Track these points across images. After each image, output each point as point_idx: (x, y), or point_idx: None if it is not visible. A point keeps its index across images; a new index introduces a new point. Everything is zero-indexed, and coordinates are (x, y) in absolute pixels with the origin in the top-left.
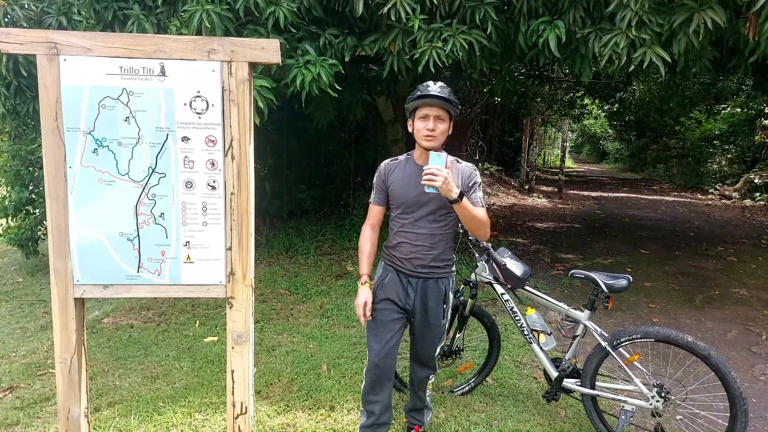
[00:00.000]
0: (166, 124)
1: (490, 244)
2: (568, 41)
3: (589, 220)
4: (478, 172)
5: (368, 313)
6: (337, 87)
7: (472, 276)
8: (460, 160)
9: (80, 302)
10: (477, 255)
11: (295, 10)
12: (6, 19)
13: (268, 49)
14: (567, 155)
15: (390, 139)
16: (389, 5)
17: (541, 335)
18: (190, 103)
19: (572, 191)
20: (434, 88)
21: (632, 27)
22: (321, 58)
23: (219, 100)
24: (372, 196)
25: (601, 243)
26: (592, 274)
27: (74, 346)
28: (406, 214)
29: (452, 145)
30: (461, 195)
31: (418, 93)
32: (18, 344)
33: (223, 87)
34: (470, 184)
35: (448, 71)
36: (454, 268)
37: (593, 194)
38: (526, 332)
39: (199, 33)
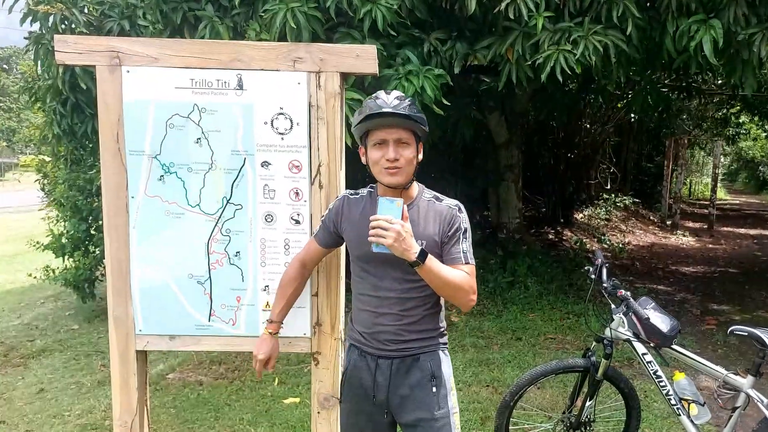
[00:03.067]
0: (243, 146)
1: (629, 293)
2: (727, 44)
3: (747, 263)
4: (464, 215)
5: (268, 368)
6: (445, 102)
7: (607, 332)
8: (441, 197)
9: (143, 355)
10: (613, 306)
11: (396, 9)
12: (63, 25)
13: (364, 57)
14: (719, 184)
15: (504, 165)
16: (507, 1)
17: (692, 405)
18: (272, 121)
19: (726, 228)
20: (388, 100)
21: None
22: (425, 68)
23: (305, 117)
24: (315, 231)
25: (763, 292)
26: (758, 332)
27: (135, 407)
28: (366, 272)
29: (579, 173)
30: (423, 255)
31: (367, 111)
32: (72, 402)
33: (310, 102)
34: (451, 232)
35: (575, 82)
36: (446, 338)
37: (752, 232)
38: (673, 401)
39: (282, 37)
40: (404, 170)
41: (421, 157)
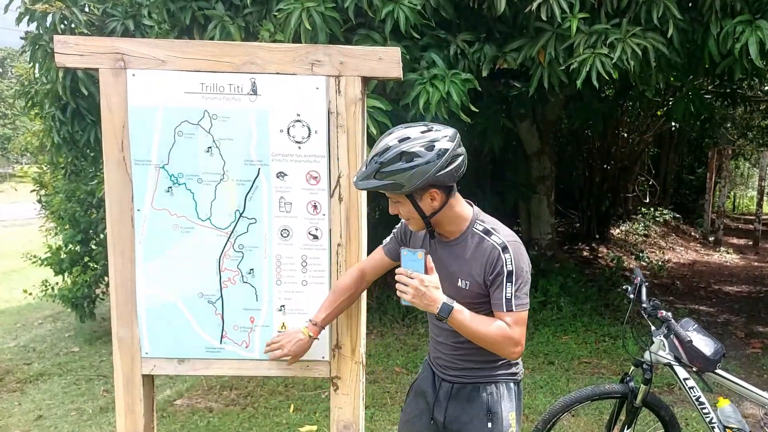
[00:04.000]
0: (257, 156)
1: (670, 314)
2: None
3: None
4: (510, 254)
5: (285, 351)
6: (473, 108)
7: (646, 355)
8: (491, 231)
9: (149, 380)
10: (652, 328)
11: (419, 9)
12: (63, 25)
13: (387, 60)
14: (765, 198)
15: (535, 176)
16: (538, 1)
17: None
18: (288, 129)
19: None
20: (361, 169)
21: None
22: (452, 72)
23: (324, 125)
24: (385, 240)
25: None
26: None
27: None
28: None
29: (615, 186)
30: (446, 310)
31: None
32: (73, 430)
33: (329, 109)
34: (492, 276)
35: (611, 88)
36: (515, 369)
37: None
38: (717, 430)
39: (296, 39)
40: (413, 222)
41: (436, 204)
